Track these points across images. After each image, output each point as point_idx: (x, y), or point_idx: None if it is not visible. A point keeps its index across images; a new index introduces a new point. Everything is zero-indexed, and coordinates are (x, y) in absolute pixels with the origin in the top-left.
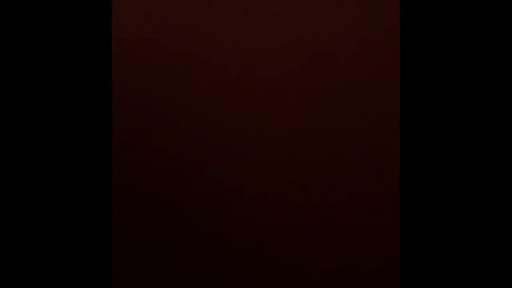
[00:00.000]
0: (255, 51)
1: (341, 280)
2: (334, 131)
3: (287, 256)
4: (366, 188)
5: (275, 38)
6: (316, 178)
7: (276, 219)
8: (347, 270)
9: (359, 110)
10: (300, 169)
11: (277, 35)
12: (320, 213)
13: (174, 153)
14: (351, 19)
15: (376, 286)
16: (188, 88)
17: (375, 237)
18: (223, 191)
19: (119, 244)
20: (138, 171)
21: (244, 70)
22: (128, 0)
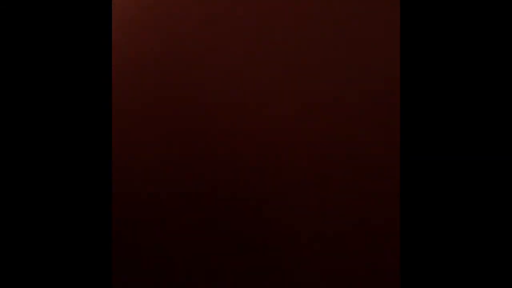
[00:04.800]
0: (254, 51)
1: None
2: (333, 134)
3: (286, 259)
4: (365, 192)
5: (274, 37)
6: (314, 183)
7: (276, 223)
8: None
9: (358, 115)
10: (300, 173)
11: (276, 35)
12: (318, 220)
13: (174, 153)
14: (352, 19)
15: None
16: (188, 88)
17: (375, 249)
18: (223, 192)
19: (119, 244)
20: (138, 171)
21: (243, 70)
22: (128, 0)
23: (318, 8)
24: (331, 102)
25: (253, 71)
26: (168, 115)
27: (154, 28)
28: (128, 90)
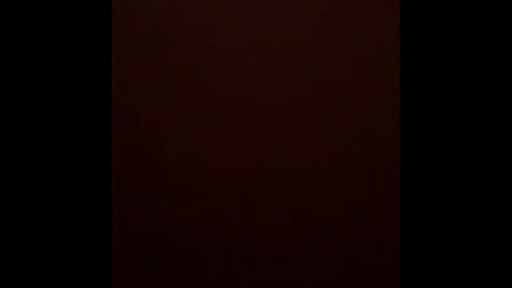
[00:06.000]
0: (255, 50)
1: (339, 282)
2: (332, 133)
3: (287, 259)
4: (365, 191)
5: (274, 37)
6: (314, 181)
7: (277, 222)
8: (345, 273)
9: (358, 113)
10: (302, 172)
11: (276, 34)
12: (318, 217)
13: (175, 153)
14: (352, 18)
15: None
16: (189, 88)
17: (374, 241)
18: (223, 190)
19: (119, 244)
20: (138, 171)
21: (244, 70)
22: (128, 0)
23: (318, 9)
24: (331, 102)
25: (254, 71)
26: (169, 114)
27: (155, 27)
28: (128, 90)
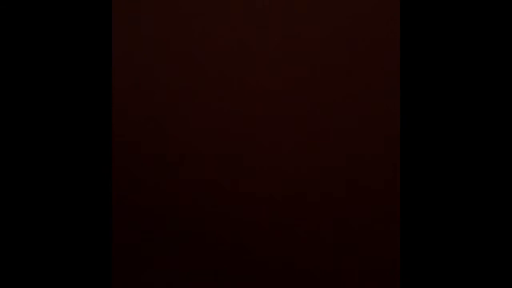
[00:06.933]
0: (255, 50)
1: (339, 278)
2: (332, 132)
3: (287, 255)
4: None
5: (275, 37)
6: (314, 178)
7: (276, 218)
8: (345, 269)
9: (358, 111)
10: (302, 171)
11: (277, 35)
12: (318, 212)
13: (174, 153)
14: (353, 21)
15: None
16: (188, 88)
17: (374, 240)
18: (222, 190)
19: (119, 244)
20: (138, 171)
21: (244, 69)
22: (128, 0)
23: (317, 9)
24: (331, 101)
25: (254, 70)
26: (169, 114)
27: (155, 27)
28: (128, 90)
